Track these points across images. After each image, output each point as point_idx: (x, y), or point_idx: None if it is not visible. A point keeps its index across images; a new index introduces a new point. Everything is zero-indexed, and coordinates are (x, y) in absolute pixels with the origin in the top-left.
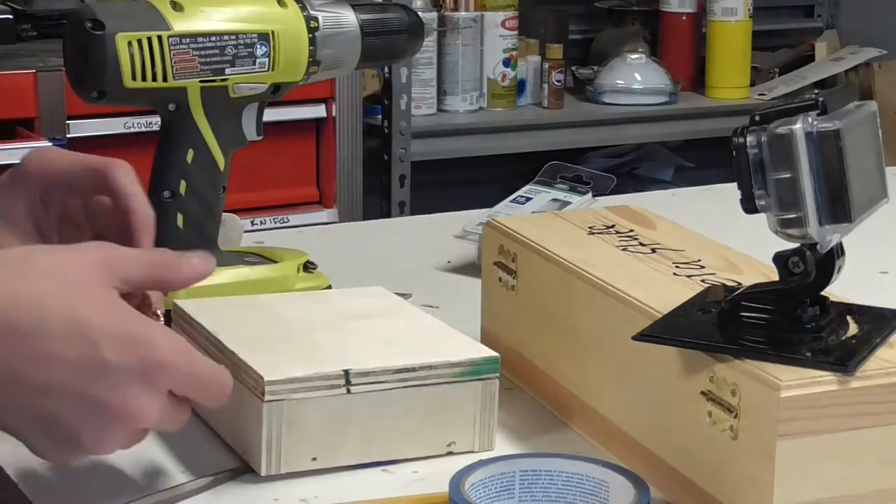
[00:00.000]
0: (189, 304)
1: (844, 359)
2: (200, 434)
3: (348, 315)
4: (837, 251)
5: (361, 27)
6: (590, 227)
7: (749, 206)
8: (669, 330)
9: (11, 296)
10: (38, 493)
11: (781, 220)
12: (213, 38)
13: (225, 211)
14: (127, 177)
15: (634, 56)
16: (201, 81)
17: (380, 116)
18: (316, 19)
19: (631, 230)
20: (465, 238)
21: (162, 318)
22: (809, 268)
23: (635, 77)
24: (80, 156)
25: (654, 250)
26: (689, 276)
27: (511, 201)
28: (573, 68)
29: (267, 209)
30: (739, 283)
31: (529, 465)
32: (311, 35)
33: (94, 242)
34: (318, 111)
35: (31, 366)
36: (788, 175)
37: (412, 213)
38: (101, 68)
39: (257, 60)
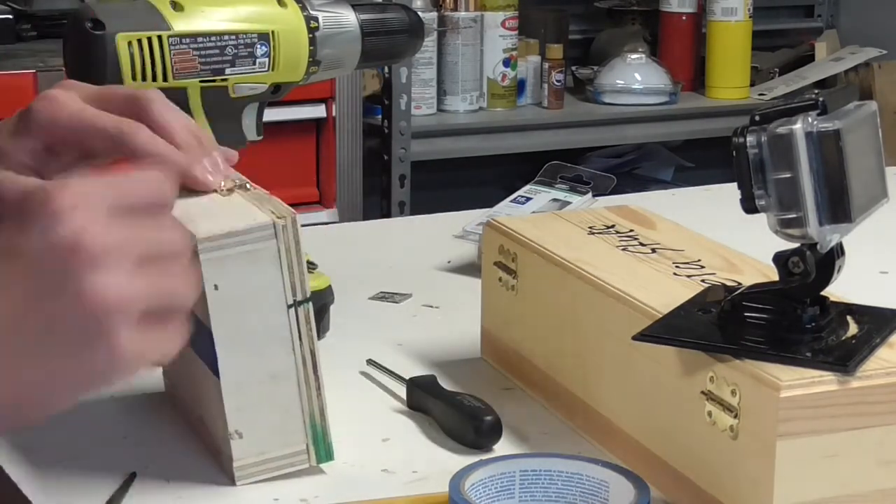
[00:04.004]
0: None
1: (844, 359)
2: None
3: None
4: (837, 251)
5: (361, 27)
6: (590, 227)
7: (749, 206)
8: (669, 330)
9: None
10: (38, 493)
11: (781, 220)
12: (213, 38)
13: None
14: (145, 138)
15: (634, 56)
16: (201, 81)
17: (380, 116)
18: (316, 19)
19: (631, 230)
20: (465, 238)
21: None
22: (809, 268)
23: (635, 77)
24: (91, 114)
25: (654, 250)
26: (689, 276)
27: (511, 201)
28: (573, 68)
29: None
30: (739, 283)
31: (529, 464)
32: (311, 35)
33: None
34: (318, 111)
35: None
36: (788, 175)
37: (412, 213)
38: (101, 68)
39: (257, 60)
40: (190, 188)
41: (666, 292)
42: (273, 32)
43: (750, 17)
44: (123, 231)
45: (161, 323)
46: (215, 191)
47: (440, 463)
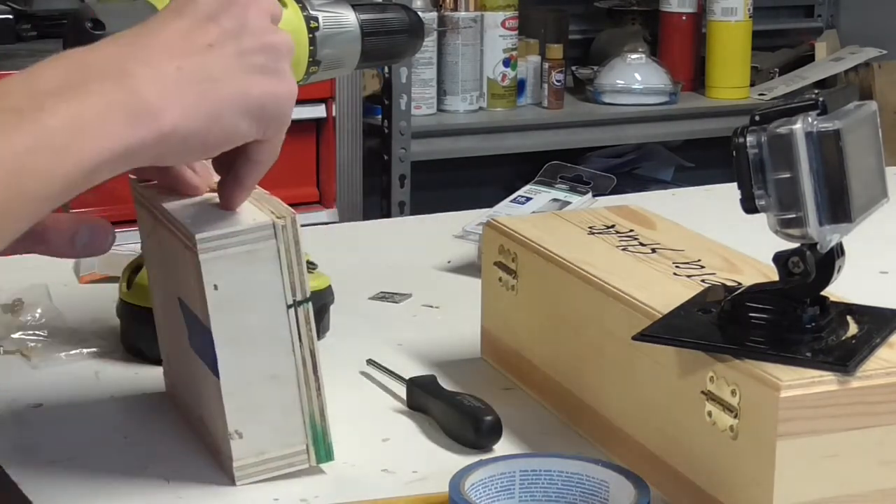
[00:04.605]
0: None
1: (844, 359)
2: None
3: None
4: (837, 251)
5: (361, 27)
6: (590, 227)
7: (749, 206)
8: (669, 330)
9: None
10: (38, 493)
11: (781, 220)
12: None
13: None
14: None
15: (634, 56)
16: None
17: (380, 116)
18: (316, 19)
19: (631, 230)
20: (465, 238)
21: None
22: (809, 268)
23: (635, 77)
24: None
25: (654, 250)
26: (689, 276)
27: (511, 201)
28: (573, 68)
29: None
30: (739, 283)
31: (529, 465)
32: (311, 35)
33: None
34: (318, 111)
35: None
36: (788, 175)
37: (412, 213)
38: None
39: None
40: (175, 189)
41: (666, 292)
42: None
43: (750, 17)
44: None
45: None
46: (213, 190)
47: (440, 463)
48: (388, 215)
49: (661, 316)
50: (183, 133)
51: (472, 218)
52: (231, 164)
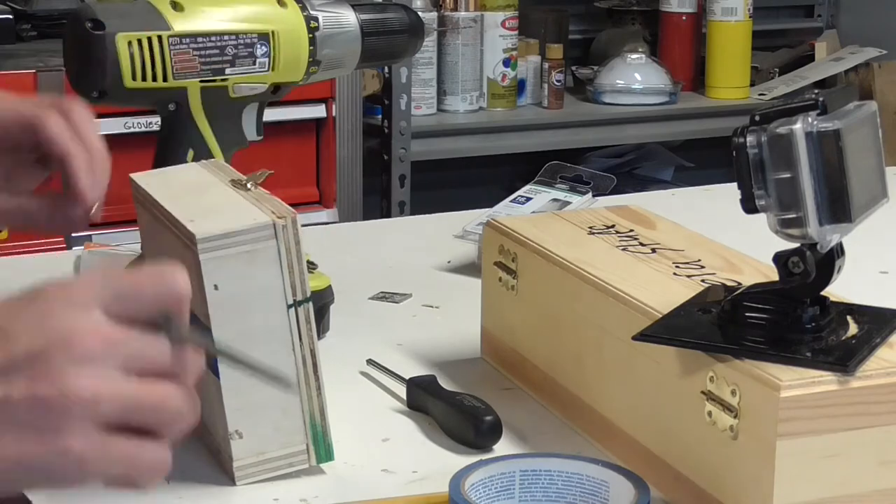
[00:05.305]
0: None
1: (844, 359)
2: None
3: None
4: (837, 251)
5: (361, 27)
6: (590, 227)
7: (749, 206)
8: (669, 330)
9: None
10: (39, 493)
11: (781, 220)
12: (213, 38)
13: None
14: (58, 126)
15: (634, 56)
16: (201, 81)
17: (380, 116)
18: (316, 19)
19: (631, 230)
20: (465, 238)
21: None
22: (809, 268)
23: (635, 77)
24: (14, 103)
25: (654, 250)
26: (689, 276)
27: (511, 201)
28: (573, 68)
29: None
30: (739, 283)
31: (529, 465)
32: (311, 35)
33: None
34: (318, 111)
35: None
36: (788, 175)
37: (412, 213)
38: (101, 68)
39: (257, 60)
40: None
41: (666, 292)
42: (273, 32)
43: (750, 17)
44: (115, 333)
45: (141, 438)
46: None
47: (440, 463)
48: (388, 215)
49: (661, 316)
50: None
51: (472, 218)
52: None
